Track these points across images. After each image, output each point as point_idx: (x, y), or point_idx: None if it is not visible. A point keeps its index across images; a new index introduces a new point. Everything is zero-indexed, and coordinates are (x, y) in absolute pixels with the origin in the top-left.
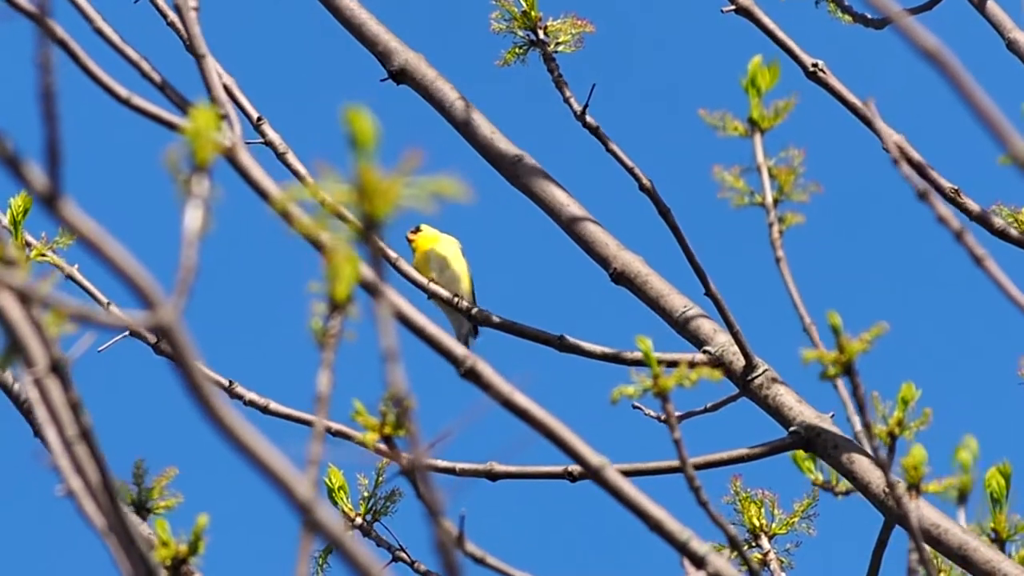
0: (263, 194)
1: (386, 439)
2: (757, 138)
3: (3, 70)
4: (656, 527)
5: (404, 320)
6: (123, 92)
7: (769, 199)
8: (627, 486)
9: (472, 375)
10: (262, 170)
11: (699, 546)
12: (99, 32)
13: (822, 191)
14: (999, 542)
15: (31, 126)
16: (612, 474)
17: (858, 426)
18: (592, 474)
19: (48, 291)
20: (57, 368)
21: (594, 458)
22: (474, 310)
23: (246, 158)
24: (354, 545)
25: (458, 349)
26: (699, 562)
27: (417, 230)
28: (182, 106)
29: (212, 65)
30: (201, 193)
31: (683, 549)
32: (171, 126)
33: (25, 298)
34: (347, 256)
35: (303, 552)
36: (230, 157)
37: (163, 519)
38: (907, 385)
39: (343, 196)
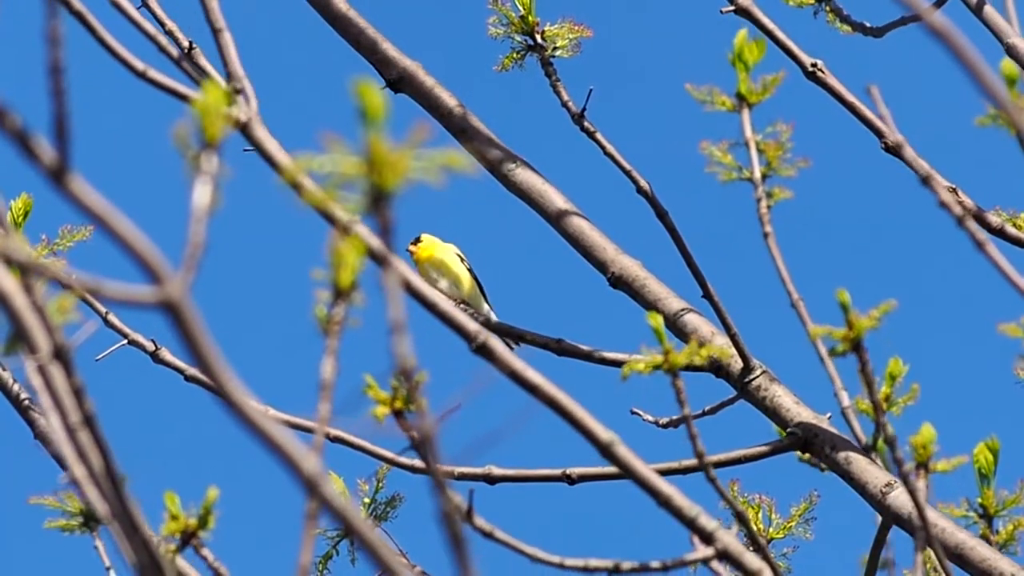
0: (278, 168)
1: (397, 413)
2: (745, 113)
3: (10, 45)
4: (665, 503)
5: (416, 295)
6: (139, 65)
7: (757, 174)
8: (637, 462)
9: (484, 350)
10: (277, 144)
11: (707, 522)
12: (115, 4)
13: (810, 165)
14: (987, 518)
15: (38, 102)
16: (622, 450)
17: (846, 401)
18: (602, 449)
19: (58, 268)
20: (60, 354)
21: (604, 434)
22: (469, 312)
23: (261, 132)
24: (360, 519)
25: (470, 324)
26: (708, 538)
27: (418, 240)
28: (198, 80)
29: (229, 39)
30: (210, 169)
31: (692, 525)
32: (187, 99)
33: (28, 285)
34: (351, 242)
35: (307, 534)
36: (245, 132)
37: (173, 492)
38: (894, 360)
39: (353, 168)
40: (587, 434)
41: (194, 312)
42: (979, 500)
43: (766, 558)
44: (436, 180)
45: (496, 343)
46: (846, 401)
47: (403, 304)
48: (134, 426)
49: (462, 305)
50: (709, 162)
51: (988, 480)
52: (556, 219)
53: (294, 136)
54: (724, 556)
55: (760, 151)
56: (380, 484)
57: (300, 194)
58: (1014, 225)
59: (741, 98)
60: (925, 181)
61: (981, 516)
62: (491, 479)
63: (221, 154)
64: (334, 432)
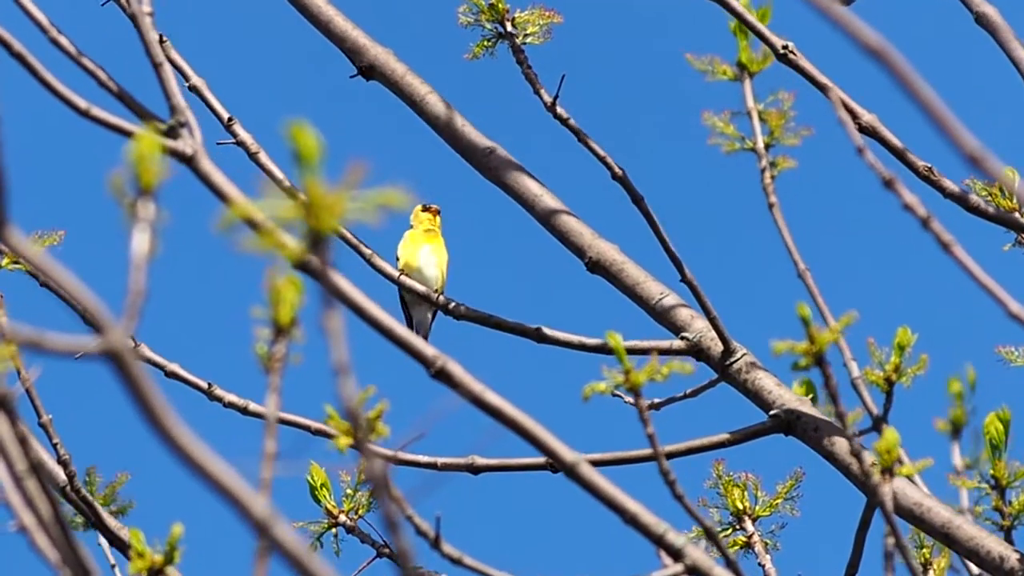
0: (226, 200)
1: (358, 445)
2: (747, 82)
3: None
4: (632, 521)
5: (373, 322)
6: (82, 104)
7: (760, 144)
8: (602, 481)
9: (443, 376)
10: (224, 176)
11: (676, 538)
12: (55, 43)
13: (813, 134)
14: (999, 489)
15: None
16: (587, 470)
17: (856, 372)
18: (567, 470)
19: None
20: (3, 403)
21: (568, 454)
22: (451, 304)
23: (207, 165)
24: (315, 562)
25: (428, 350)
26: (676, 554)
27: (438, 212)
28: (141, 114)
29: (170, 72)
30: (147, 217)
31: (660, 542)
32: (131, 136)
33: None
34: (289, 279)
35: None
36: (192, 165)
37: (137, 529)
38: (903, 330)
39: (290, 212)
40: (550, 455)
41: (137, 360)
42: (991, 471)
43: (735, 571)
44: (374, 220)
45: (455, 367)
46: (856, 372)
47: (346, 346)
48: (115, 436)
49: (436, 294)
50: (712, 133)
51: (999, 451)
52: (531, 205)
53: (268, 129)
54: (693, 572)
55: (763, 120)
56: (362, 475)
57: (246, 234)
58: (991, 197)
59: (742, 67)
60: (888, 184)
61: (993, 487)
62: (474, 469)
63: (158, 200)
64: (316, 425)
